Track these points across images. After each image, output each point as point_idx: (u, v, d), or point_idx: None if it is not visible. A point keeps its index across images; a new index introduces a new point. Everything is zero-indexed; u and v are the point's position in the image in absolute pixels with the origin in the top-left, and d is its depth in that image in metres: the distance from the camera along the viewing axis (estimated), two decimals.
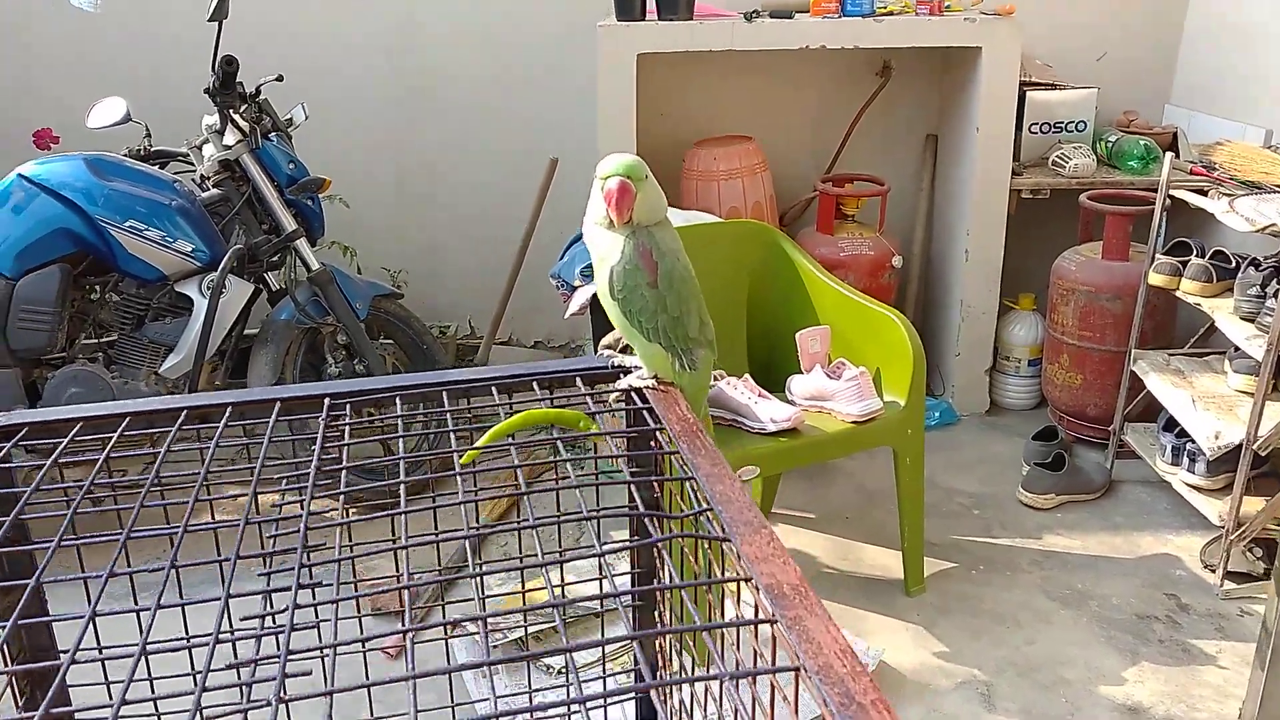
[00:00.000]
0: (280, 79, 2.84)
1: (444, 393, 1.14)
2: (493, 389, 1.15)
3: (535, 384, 1.18)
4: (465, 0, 3.64)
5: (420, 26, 3.65)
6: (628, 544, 0.96)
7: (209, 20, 2.60)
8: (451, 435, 1.07)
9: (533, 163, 3.59)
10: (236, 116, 2.73)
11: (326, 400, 1.07)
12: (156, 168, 2.84)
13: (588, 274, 2.84)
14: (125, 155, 2.81)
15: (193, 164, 2.85)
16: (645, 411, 1.12)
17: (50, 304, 2.59)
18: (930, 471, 2.89)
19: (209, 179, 2.81)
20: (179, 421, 1.02)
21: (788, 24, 3.22)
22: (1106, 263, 3.11)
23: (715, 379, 2.49)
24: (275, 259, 2.89)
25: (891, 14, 3.27)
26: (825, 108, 3.72)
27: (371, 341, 2.96)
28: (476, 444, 1.06)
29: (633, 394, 1.18)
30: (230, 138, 2.75)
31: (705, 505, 0.88)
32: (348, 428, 1.04)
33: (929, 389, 3.39)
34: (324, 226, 2.98)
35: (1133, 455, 3.02)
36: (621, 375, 1.20)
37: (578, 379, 1.19)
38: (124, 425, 1.03)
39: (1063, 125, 3.48)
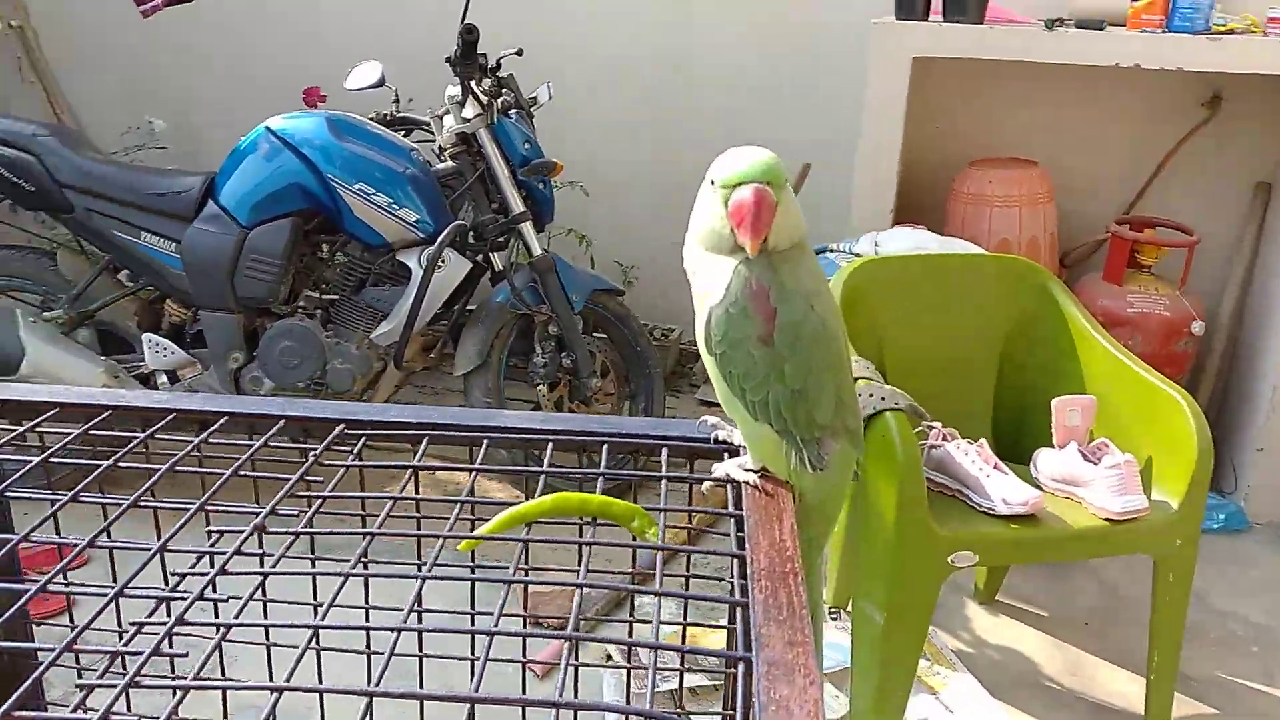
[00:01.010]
0: (520, 53, 2.72)
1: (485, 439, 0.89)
2: (551, 446, 0.89)
3: (604, 450, 0.89)
4: None
5: (685, 15, 3.46)
6: None
7: None
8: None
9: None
10: (476, 89, 2.64)
11: (340, 428, 0.86)
12: (400, 134, 2.80)
13: None
14: (371, 119, 2.79)
15: (433, 134, 2.80)
16: (735, 520, 0.82)
17: (277, 256, 2.60)
18: (1201, 587, 2.39)
19: (446, 151, 2.74)
20: (159, 423, 0.85)
21: (1097, 36, 2.76)
22: None
23: (946, 438, 2.13)
24: (502, 240, 2.79)
25: (1232, 32, 2.73)
26: (1133, 138, 3.20)
27: (584, 336, 2.81)
28: (479, 531, 0.80)
29: (730, 486, 0.88)
30: (469, 111, 2.67)
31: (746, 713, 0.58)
32: (356, 466, 0.82)
33: (1216, 485, 2.83)
34: (553, 212, 2.85)
35: None
36: (726, 456, 0.91)
37: (663, 450, 0.91)
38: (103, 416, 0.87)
39: None
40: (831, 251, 2.78)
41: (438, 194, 2.69)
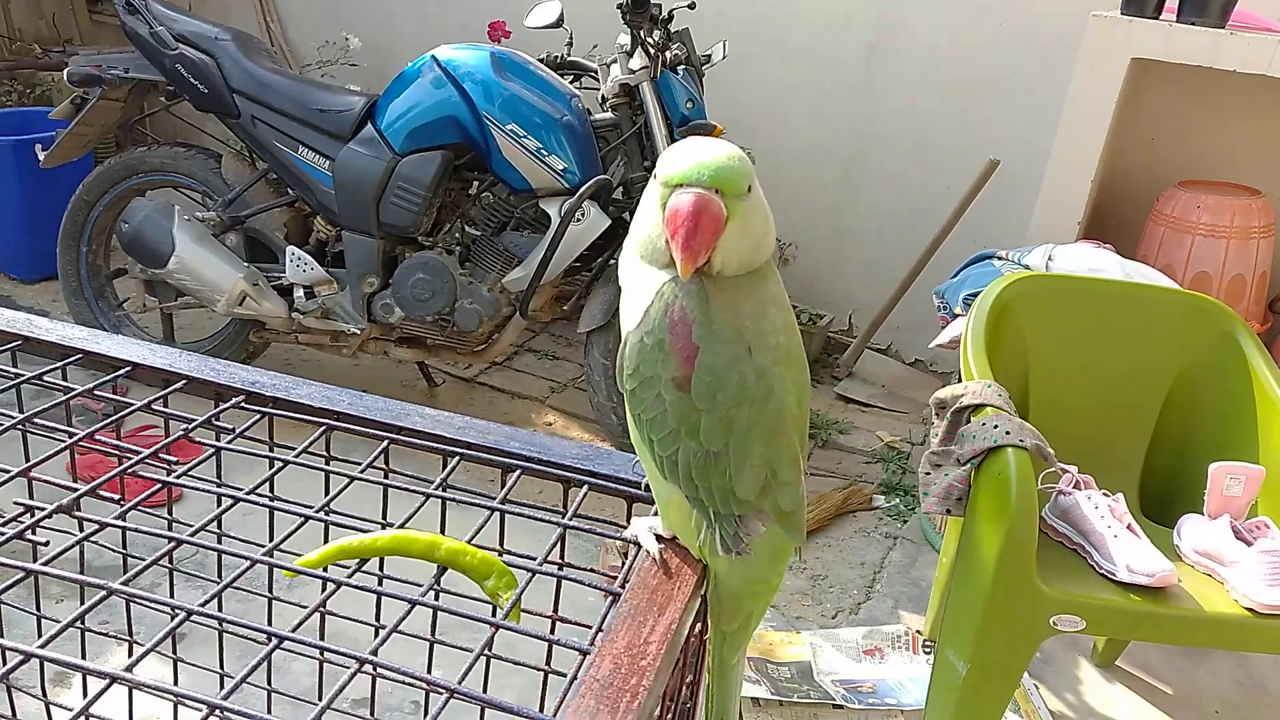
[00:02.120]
0: (693, 5, 2.60)
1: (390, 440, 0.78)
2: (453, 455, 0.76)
3: (516, 476, 0.75)
4: None
5: None
6: None
7: None
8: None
9: (970, 159, 3.08)
10: (648, 40, 2.54)
11: (238, 399, 0.78)
12: (568, 79, 2.74)
13: (971, 302, 2.34)
14: (541, 60, 2.74)
15: (599, 82, 2.72)
16: (612, 598, 0.67)
17: (424, 187, 2.60)
18: None
19: (609, 101, 2.66)
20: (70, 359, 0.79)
21: None
22: None
23: (1080, 485, 1.90)
24: None
25: None
26: None
27: None
28: (307, 557, 0.68)
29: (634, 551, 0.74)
30: (636, 62, 2.57)
31: None
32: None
33: None
34: None
35: None
36: (655, 510, 0.77)
37: (584, 485, 0.77)
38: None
39: None
40: (998, 260, 2.55)
41: (590, 144, 2.61)
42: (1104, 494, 1.88)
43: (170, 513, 0.81)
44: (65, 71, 2.72)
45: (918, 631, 2.26)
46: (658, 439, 0.70)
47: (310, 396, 0.84)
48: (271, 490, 0.78)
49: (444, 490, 0.75)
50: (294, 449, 0.75)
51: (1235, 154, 2.90)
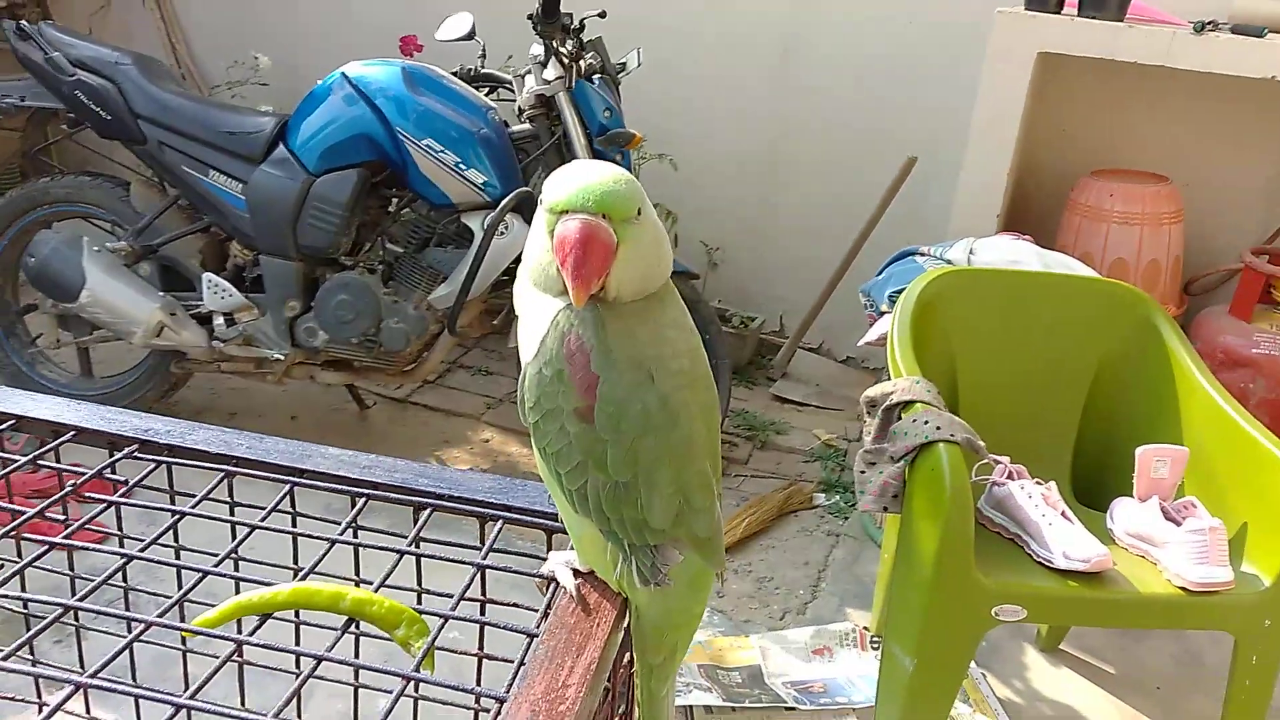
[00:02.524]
0: (603, 15, 2.59)
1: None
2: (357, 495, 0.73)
3: (426, 515, 0.72)
4: None
5: None
6: None
7: None
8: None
9: (890, 157, 3.11)
10: (561, 50, 2.52)
11: (131, 448, 0.74)
12: (482, 92, 2.70)
13: (897, 299, 2.35)
14: (455, 74, 2.70)
15: (515, 94, 2.69)
16: (530, 640, 0.63)
17: (341, 206, 2.53)
18: None
19: (525, 112, 2.63)
20: None
21: (1253, 44, 2.47)
22: None
23: (1013, 475, 1.92)
24: None
25: None
26: None
27: None
28: (204, 616, 0.65)
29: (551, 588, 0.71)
30: (550, 72, 2.55)
31: None
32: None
33: None
34: None
35: None
36: (571, 545, 0.75)
37: (500, 519, 0.74)
38: None
39: None
40: (920, 256, 2.57)
41: (510, 157, 2.58)
42: (1037, 483, 1.90)
43: (72, 568, 0.76)
44: None
45: (865, 628, 2.26)
46: (565, 472, 0.67)
47: (207, 442, 0.79)
48: (176, 540, 0.74)
49: (354, 533, 0.72)
50: (195, 495, 0.71)
51: (1144, 142, 2.98)
